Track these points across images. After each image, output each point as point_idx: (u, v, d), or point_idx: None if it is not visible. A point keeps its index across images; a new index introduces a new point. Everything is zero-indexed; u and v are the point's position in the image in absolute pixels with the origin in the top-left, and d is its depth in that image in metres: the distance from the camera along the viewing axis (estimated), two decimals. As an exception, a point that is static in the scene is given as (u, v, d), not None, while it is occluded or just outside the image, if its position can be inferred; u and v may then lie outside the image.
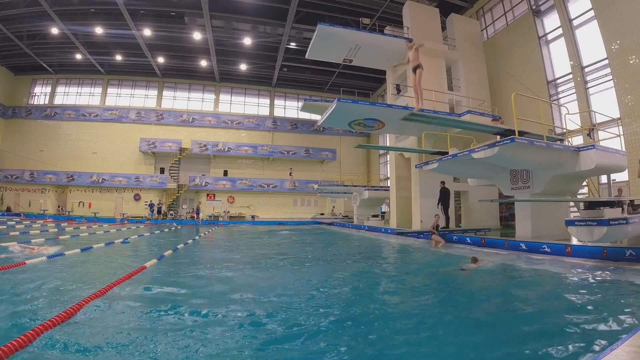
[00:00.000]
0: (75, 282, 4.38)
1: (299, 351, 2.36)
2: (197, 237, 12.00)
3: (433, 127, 11.34)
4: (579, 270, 5.37)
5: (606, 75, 11.15)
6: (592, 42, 11.52)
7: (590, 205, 6.50)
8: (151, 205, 23.63)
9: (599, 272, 5.05)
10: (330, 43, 13.73)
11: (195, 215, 24.28)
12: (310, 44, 14.00)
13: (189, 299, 3.71)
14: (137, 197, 25.66)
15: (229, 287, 4.39)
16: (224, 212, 25.92)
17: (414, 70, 8.28)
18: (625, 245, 6.06)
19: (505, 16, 15.80)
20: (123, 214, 23.53)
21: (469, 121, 10.57)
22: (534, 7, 14.14)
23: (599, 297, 3.81)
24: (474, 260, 5.99)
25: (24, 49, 21.88)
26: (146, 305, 3.43)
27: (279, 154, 27.82)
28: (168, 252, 7.15)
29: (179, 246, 8.60)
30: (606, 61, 10.98)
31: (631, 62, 10.08)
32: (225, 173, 27.45)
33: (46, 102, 26.39)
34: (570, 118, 9.87)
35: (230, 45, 22.38)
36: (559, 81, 13.37)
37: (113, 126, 26.22)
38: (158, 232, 14.11)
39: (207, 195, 26.47)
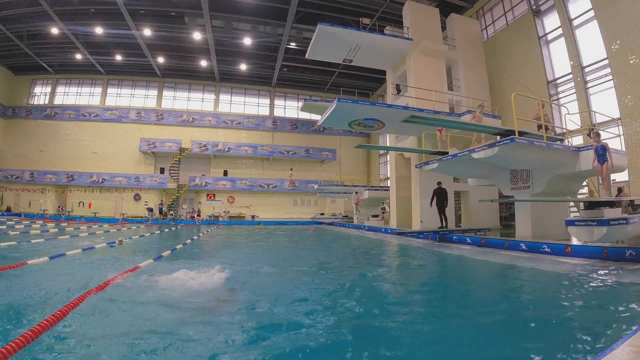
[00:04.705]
0: (74, 281, 4.37)
1: (304, 350, 2.35)
2: (195, 237, 12.00)
3: (433, 128, 11.33)
4: (579, 270, 5.36)
5: (606, 75, 11.15)
6: (592, 42, 11.51)
7: (590, 205, 6.49)
8: (150, 209, 23.56)
9: (599, 272, 5.04)
10: (330, 43, 13.74)
11: (196, 216, 24.29)
12: (310, 44, 14.00)
13: (183, 298, 3.69)
14: (137, 197, 25.67)
15: (223, 286, 4.36)
16: (224, 212, 25.92)
17: None
18: (625, 245, 6.06)
19: (505, 16, 15.79)
20: (123, 214, 23.52)
21: (469, 122, 10.56)
22: (534, 7, 14.14)
23: (598, 297, 3.80)
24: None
25: (24, 49, 21.89)
26: (138, 305, 3.42)
27: (279, 154, 27.82)
28: (166, 252, 7.15)
29: (177, 246, 8.60)
30: (606, 61, 10.98)
31: (631, 62, 10.08)
32: (225, 173, 27.46)
33: (46, 102, 26.41)
34: (570, 118, 9.88)
35: (230, 45, 22.39)
36: (559, 81, 13.37)
37: (113, 126, 26.24)
38: (158, 232, 14.12)
39: (207, 195, 26.48)
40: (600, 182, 6.83)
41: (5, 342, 1.99)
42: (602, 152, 6.65)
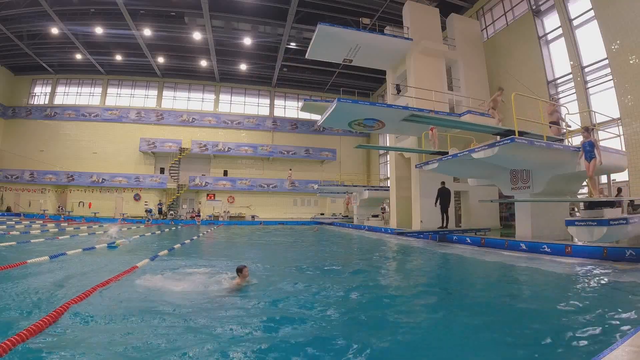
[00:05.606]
0: (72, 281, 4.37)
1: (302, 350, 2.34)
2: (195, 237, 11.99)
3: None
4: (579, 270, 5.35)
5: (606, 75, 11.14)
6: (592, 42, 11.51)
7: (590, 205, 6.48)
8: (149, 210, 23.41)
9: (599, 272, 5.04)
10: (330, 43, 13.73)
11: (195, 216, 24.26)
12: (310, 44, 14.00)
13: (179, 298, 3.69)
14: (137, 197, 25.65)
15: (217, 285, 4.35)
16: (224, 212, 25.91)
17: None
18: (625, 245, 6.05)
19: (505, 16, 15.79)
20: (123, 214, 23.51)
21: (469, 122, 10.57)
22: (534, 7, 14.13)
23: (598, 297, 3.80)
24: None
25: (24, 49, 21.88)
26: (132, 304, 3.41)
27: (279, 154, 27.81)
28: (163, 252, 7.14)
29: (175, 246, 8.60)
30: (606, 61, 10.97)
31: (631, 62, 10.07)
32: (225, 173, 27.45)
33: (46, 102, 26.40)
34: (570, 118, 9.87)
35: (230, 45, 22.38)
36: (559, 81, 13.36)
37: (113, 126, 26.23)
38: (158, 232, 14.11)
39: (207, 195, 26.47)
40: (589, 180, 6.71)
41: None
42: (589, 149, 6.38)
